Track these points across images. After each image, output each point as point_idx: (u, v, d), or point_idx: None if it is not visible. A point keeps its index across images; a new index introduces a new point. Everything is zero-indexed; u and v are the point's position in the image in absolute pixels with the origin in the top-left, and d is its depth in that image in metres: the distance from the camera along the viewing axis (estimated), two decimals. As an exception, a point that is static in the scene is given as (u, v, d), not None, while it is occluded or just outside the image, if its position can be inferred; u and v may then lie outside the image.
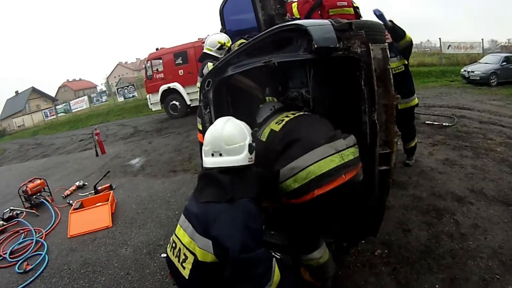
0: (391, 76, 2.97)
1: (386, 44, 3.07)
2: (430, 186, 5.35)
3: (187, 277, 2.35)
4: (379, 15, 4.71)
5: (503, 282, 3.45)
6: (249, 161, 2.57)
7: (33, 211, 7.03)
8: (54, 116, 33.74)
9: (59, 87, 71.11)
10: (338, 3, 4.50)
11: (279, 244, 3.21)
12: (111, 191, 7.07)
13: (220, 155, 2.51)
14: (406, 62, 5.48)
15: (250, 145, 2.58)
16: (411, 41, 5.25)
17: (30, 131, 33.34)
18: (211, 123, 3.16)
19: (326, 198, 2.63)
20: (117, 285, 4.26)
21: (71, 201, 7.13)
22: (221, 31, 6.19)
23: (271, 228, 3.27)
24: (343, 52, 2.83)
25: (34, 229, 6.02)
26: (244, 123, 2.73)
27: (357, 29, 2.86)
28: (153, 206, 6.32)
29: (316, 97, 3.82)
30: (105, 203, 6.33)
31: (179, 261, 2.44)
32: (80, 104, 32.37)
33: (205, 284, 2.38)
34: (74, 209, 6.40)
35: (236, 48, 3.66)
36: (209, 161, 2.55)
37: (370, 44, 2.84)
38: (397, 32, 4.87)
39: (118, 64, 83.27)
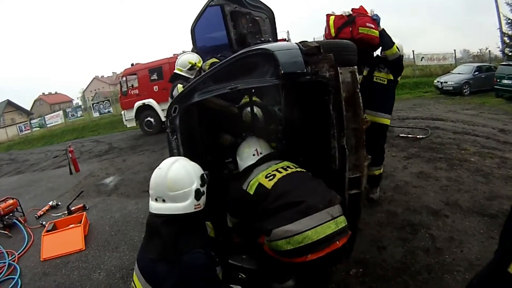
0: (360, 100, 2.98)
1: (356, 67, 3.07)
2: (405, 201, 5.42)
3: None
4: (377, 20, 4.83)
5: None
6: (195, 208, 2.36)
7: (6, 232, 6.84)
8: (29, 131, 32.99)
9: (35, 101, 69.88)
10: (367, 23, 4.66)
11: (251, 268, 3.17)
12: (84, 212, 6.94)
13: (163, 201, 2.31)
14: (392, 78, 5.40)
15: (197, 190, 2.36)
16: (400, 55, 5.20)
17: (4, 145, 32.59)
18: (178, 150, 3.14)
19: (314, 262, 2.61)
20: (90, 311, 4.15)
21: (44, 222, 6.95)
22: (192, 50, 6.17)
23: (242, 253, 3.24)
24: (311, 77, 2.80)
25: (6, 251, 5.86)
26: (195, 164, 2.54)
27: (326, 52, 2.84)
28: (126, 228, 6.23)
29: (287, 116, 3.82)
30: (78, 225, 6.20)
31: None
32: (55, 119, 31.68)
33: None
34: (47, 231, 6.27)
35: (207, 67, 3.63)
36: (153, 206, 2.35)
37: (338, 67, 2.83)
38: (383, 40, 4.90)
39: (94, 78, 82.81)
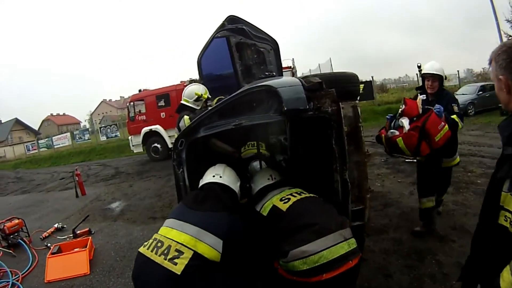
0: (362, 134, 3.06)
1: (357, 101, 3.15)
2: (411, 228, 5.34)
3: (179, 272, 2.48)
4: (440, 111, 4.59)
5: None
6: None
7: (10, 251, 6.82)
8: (36, 150, 33.46)
9: (43, 121, 71.04)
10: (438, 126, 4.51)
11: None
12: (90, 236, 6.94)
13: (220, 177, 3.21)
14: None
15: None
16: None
17: (11, 163, 32.89)
18: (184, 182, 3.26)
19: (329, 282, 2.69)
20: None
21: (49, 244, 6.97)
22: (199, 82, 6.27)
23: None
24: (314, 113, 2.90)
25: (10, 271, 5.82)
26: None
27: (328, 86, 2.94)
28: (132, 254, 6.06)
29: (293, 146, 3.86)
30: (83, 249, 6.19)
31: (165, 258, 2.57)
32: (62, 141, 32.12)
33: (196, 273, 2.54)
34: (52, 253, 6.24)
35: (214, 103, 3.72)
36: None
37: (340, 102, 2.91)
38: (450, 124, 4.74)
39: (102, 101, 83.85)
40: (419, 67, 5.52)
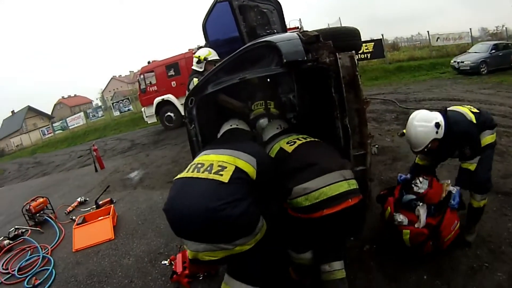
0: (360, 82, 3.23)
1: (354, 52, 3.32)
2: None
3: (227, 180, 2.74)
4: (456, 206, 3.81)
5: (492, 270, 3.56)
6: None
7: (38, 228, 7.11)
8: (52, 134, 33.75)
9: (55, 105, 71.00)
10: (451, 227, 3.81)
11: None
12: (112, 205, 7.21)
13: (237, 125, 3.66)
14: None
15: None
16: None
17: (28, 150, 33.21)
18: (196, 137, 3.51)
19: (330, 218, 2.92)
20: (122, 293, 4.44)
21: (73, 217, 7.23)
22: (205, 45, 6.45)
23: None
24: (312, 63, 3.09)
25: (40, 246, 6.08)
26: None
27: (326, 39, 3.13)
28: (153, 217, 6.46)
29: (300, 102, 4.08)
30: (107, 216, 6.48)
31: (210, 173, 2.83)
32: (76, 121, 32.37)
33: (241, 184, 2.80)
34: (77, 224, 6.55)
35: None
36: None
37: (338, 53, 3.09)
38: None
39: (112, 78, 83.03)
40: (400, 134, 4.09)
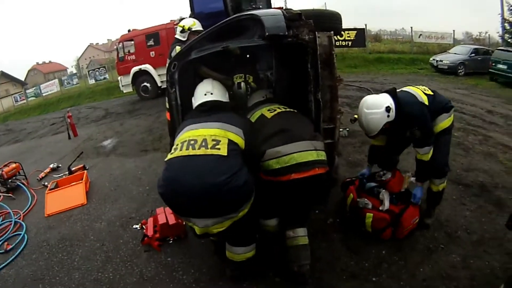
0: (335, 61, 3.50)
1: (332, 32, 3.53)
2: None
3: (226, 153, 2.89)
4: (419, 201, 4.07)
5: (447, 251, 3.84)
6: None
7: (10, 194, 7.05)
8: (25, 101, 32.74)
9: (29, 71, 68.65)
10: (412, 220, 4.02)
11: None
12: (85, 171, 7.21)
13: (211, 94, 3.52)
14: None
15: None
16: None
17: (0, 117, 32.63)
18: (176, 101, 3.64)
19: (297, 183, 3.15)
20: (94, 255, 4.53)
21: (46, 183, 7.22)
22: (190, 16, 6.48)
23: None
24: (292, 39, 3.28)
25: (12, 211, 6.06)
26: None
27: (306, 19, 3.30)
28: (125, 183, 6.56)
29: (277, 78, 4.25)
30: (79, 182, 6.51)
31: (206, 148, 2.93)
32: (50, 88, 31.34)
33: (237, 155, 2.97)
34: (50, 189, 6.56)
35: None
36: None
37: (317, 32, 3.28)
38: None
39: (89, 45, 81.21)
40: (353, 120, 4.08)
